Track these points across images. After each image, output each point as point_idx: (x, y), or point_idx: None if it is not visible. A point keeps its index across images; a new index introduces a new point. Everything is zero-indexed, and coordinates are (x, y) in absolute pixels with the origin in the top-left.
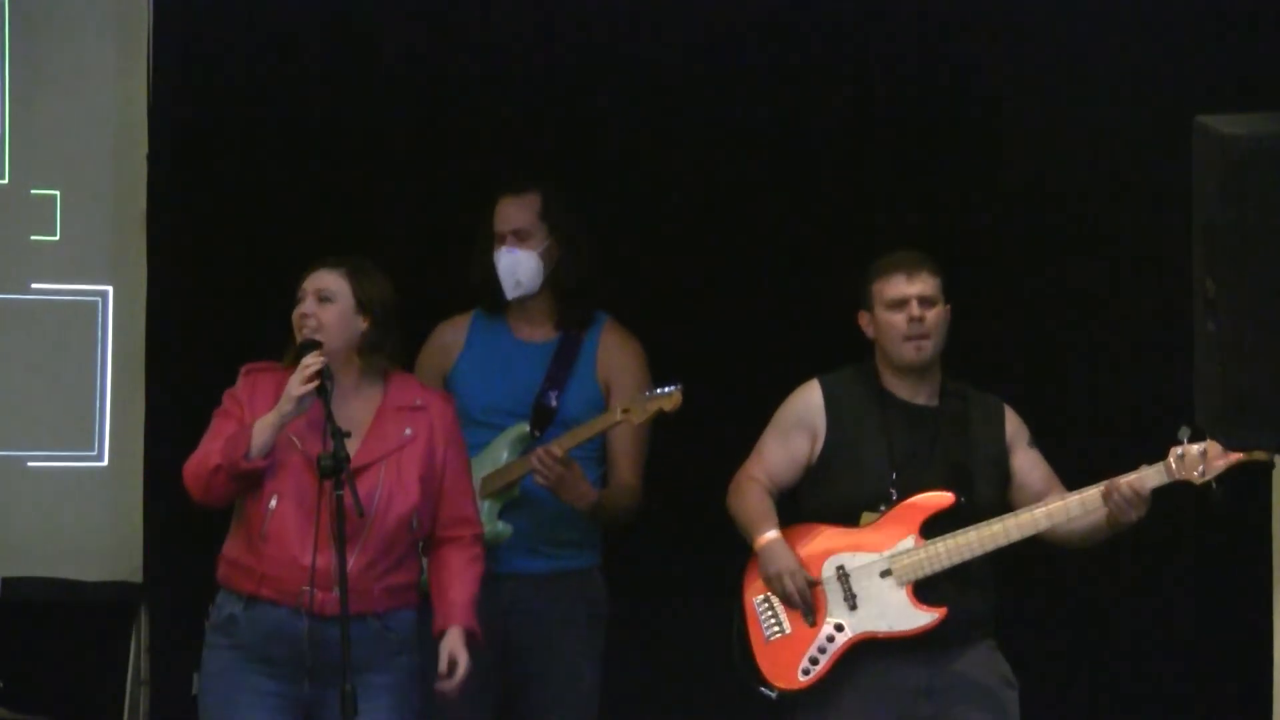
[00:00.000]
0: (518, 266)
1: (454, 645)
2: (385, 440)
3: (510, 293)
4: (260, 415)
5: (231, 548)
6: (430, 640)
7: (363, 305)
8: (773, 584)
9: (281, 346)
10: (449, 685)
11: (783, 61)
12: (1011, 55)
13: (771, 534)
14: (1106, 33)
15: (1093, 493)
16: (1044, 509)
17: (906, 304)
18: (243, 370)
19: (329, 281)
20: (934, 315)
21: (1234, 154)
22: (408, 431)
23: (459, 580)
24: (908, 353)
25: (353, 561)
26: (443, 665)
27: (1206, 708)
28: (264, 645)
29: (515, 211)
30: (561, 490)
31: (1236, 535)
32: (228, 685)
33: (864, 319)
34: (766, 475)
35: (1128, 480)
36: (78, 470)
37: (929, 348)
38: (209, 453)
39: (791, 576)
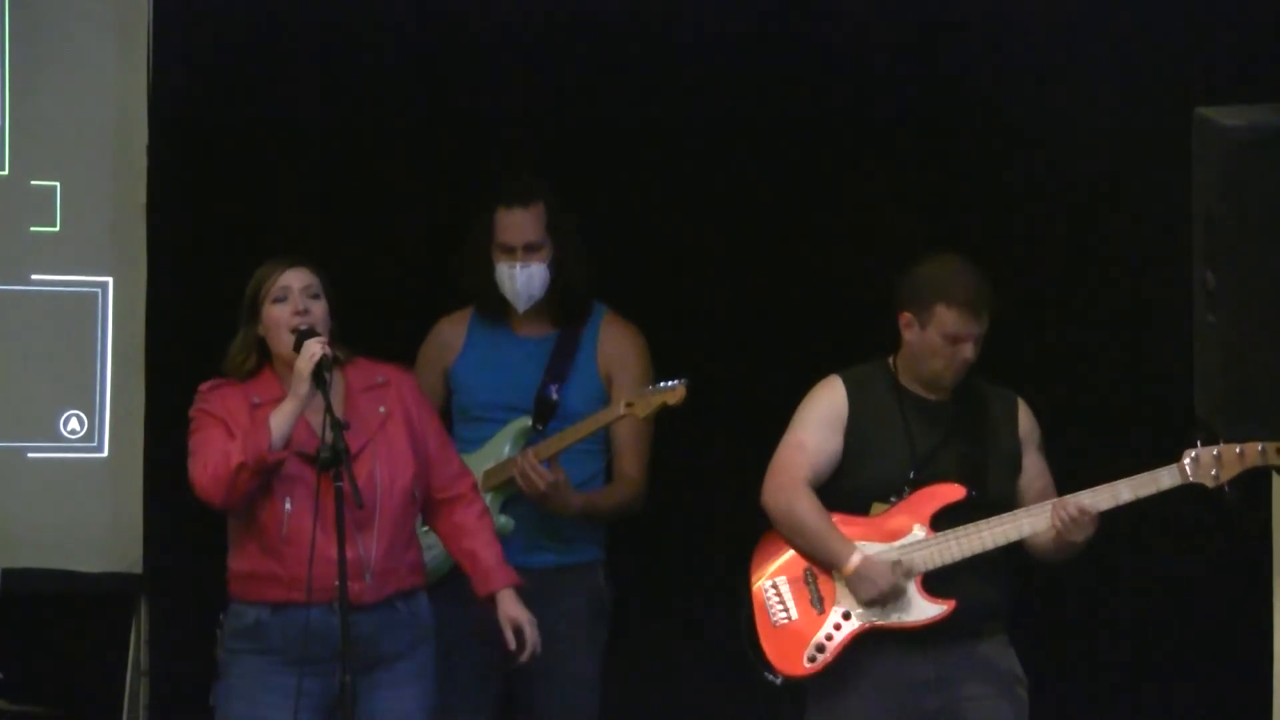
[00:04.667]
0: (532, 282)
1: (514, 610)
2: (365, 423)
3: (523, 306)
4: (236, 423)
5: (242, 561)
6: (448, 627)
7: (329, 298)
8: (873, 604)
9: None
10: (526, 655)
11: (783, 61)
12: (1011, 55)
13: (857, 558)
14: (1106, 32)
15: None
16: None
17: (963, 342)
18: (204, 388)
19: (310, 279)
20: (978, 347)
21: (1234, 145)
22: (382, 409)
23: (482, 540)
24: (946, 380)
25: (376, 548)
26: (510, 637)
27: (1206, 707)
28: (298, 646)
29: (526, 225)
30: (544, 501)
31: (1237, 535)
32: (261, 690)
33: (906, 320)
34: (814, 475)
35: (1075, 500)
36: (78, 461)
37: (963, 375)
38: (226, 453)
39: (891, 594)
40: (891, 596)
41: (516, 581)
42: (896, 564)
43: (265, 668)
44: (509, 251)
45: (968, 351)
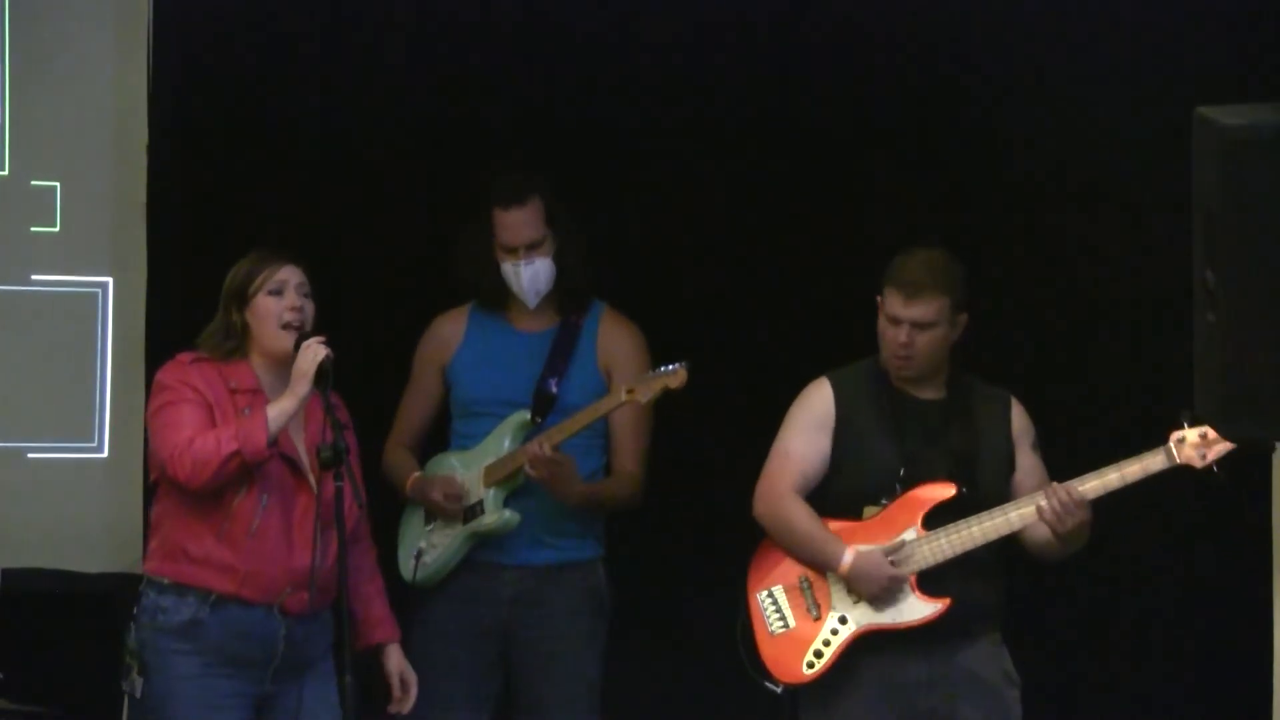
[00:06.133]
0: (538, 277)
1: (402, 664)
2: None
3: (532, 302)
4: (217, 403)
5: (192, 543)
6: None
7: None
8: (876, 602)
9: None
10: (407, 706)
11: (783, 60)
12: (1011, 55)
13: (849, 555)
14: (1106, 32)
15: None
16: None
17: (899, 324)
18: (184, 359)
19: (304, 278)
20: (927, 339)
21: (1234, 144)
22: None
23: (376, 587)
24: (892, 366)
25: (325, 561)
26: (396, 689)
27: (1206, 707)
28: (235, 647)
29: (526, 224)
30: (552, 485)
31: (1236, 530)
32: (200, 692)
33: (880, 303)
34: (803, 481)
35: (1064, 485)
36: (78, 461)
37: (913, 369)
38: (218, 439)
39: (889, 587)
40: (891, 589)
41: (399, 636)
42: (889, 552)
43: (203, 670)
44: (511, 251)
45: (903, 336)
